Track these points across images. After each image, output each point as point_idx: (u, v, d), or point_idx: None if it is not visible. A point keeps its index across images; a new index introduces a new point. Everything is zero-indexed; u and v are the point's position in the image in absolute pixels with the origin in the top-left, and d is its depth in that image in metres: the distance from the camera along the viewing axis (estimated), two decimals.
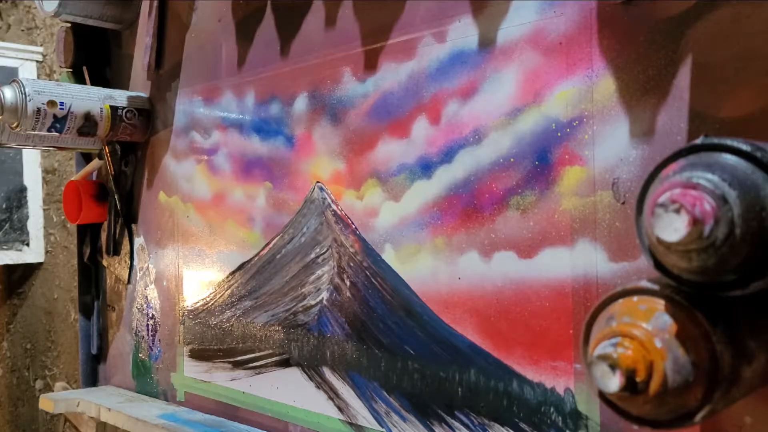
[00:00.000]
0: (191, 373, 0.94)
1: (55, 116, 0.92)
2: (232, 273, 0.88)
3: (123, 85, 1.07)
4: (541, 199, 0.57)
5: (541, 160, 0.57)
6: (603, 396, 0.36)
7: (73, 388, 1.74)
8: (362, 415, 0.71)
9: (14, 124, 0.90)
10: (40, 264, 1.94)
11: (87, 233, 1.14)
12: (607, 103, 0.53)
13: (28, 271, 1.98)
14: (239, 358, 0.86)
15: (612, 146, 0.52)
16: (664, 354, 0.34)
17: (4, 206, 1.86)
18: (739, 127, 0.46)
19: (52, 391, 1.84)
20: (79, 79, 1.08)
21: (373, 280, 0.70)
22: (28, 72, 1.85)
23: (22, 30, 1.98)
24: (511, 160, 0.59)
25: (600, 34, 0.53)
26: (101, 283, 1.13)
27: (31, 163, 1.90)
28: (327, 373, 0.75)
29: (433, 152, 0.65)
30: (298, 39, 0.79)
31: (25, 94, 0.89)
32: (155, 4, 0.98)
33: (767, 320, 0.38)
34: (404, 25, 0.68)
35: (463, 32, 0.62)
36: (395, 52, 0.68)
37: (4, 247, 1.86)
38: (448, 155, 0.64)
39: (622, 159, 0.52)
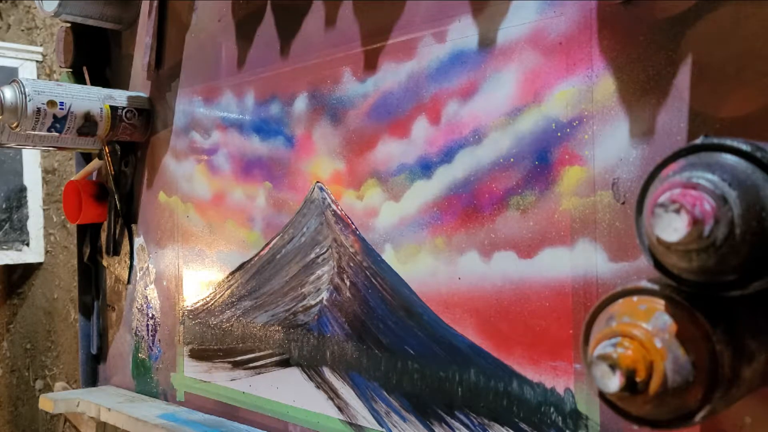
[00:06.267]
0: (191, 373, 0.94)
1: (55, 116, 0.92)
2: (232, 273, 0.88)
3: (123, 85, 1.07)
4: (541, 199, 0.57)
5: (541, 160, 0.57)
6: (603, 396, 0.36)
7: (73, 388, 1.74)
8: (362, 415, 0.71)
9: (14, 124, 0.90)
10: (40, 264, 1.94)
11: (87, 233, 1.14)
12: (607, 103, 0.53)
13: (28, 271, 1.98)
14: (239, 358, 0.86)
15: (612, 146, 0.52)
16: (664, 354, 0.34)
17: (4, 206, 1.86)
18: (739, 127, 0.46)
19: (52, 391, 1.84)
20: (79, 79, 1.08)
21: (373, 280, 0.70)
22: (28, 72, 1.85)
23: (22, 30, 1.98)
24: (511, 160, 0.59)
25: (600, 34, 0.53)
26: (101, 283, 1.13)
27: (31, 163, 1.90)
28: (327, 373, 0.75)
29: (433, 152, 0.65)
30: (298, 39, 0.79)
31: (25, 94, 0.89)
32: (155, 4, 0.98)
33: (767, 320, 0.38)
34: (404, 25, 0.68)
35: (463, 32, 0.62)
36: (395, 52, 0.68)
37: (4, 247, 1.86)
38: (448, 155, 0.64)
39: (622, 159, 0.52)
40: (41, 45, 1.91)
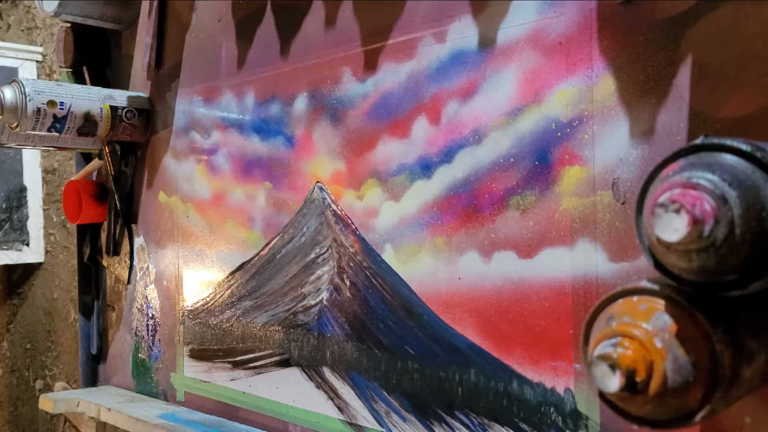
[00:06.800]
0: (191, 373, 0.94)
1: (55, 116, 0.92)
2: (232, 273, 0.88)
3: (123, 85, 1.07)
4: (541, 199, 0.57)
5: (541, 160, 0.57)
6: (603, 396, 0.36)
7: (73, 388, 1.74)
8: (362, 415, 0.71)
9: (14, 124, 0.90)
10: (40, 264, 1.94)
11: (87, 233, 1.14)
12: (607, 103, 0.53)
13: (28, 271, 1.98)
14: (239, 358, 0.86)
15: (612, 146, 0.52)
16: (664, 354, 0.34)
17: (4, 206, 1.86)
18: (739, 127, 0.46)
19: (52, 391, 1.84)
20: (79, 79, 1.08)
21: (373, 280, 0.70)
22: (28, 72, 1.85)
23: (22, 30, 1.98)
24: (511, 160, 0.59)
25: (600, 34, 0.53)
26: (101, 283, 1.13)
27: (31, 163, 1.90)
28: (327, 373, 0.75)
29: (433, 152, 0.65)
30: (298, 39, 0.79)
31: (25, 94, 0.89)
32: (155, 4, 0.98)
33: (767, 320, 0.38)
34: (404, 25, 0.68)
35: (463, 32, 0.62)
36: (395, 52, 0.68)
37: (4, 247, 1.86)
38: (448, 155, 0.64)
39: (622, 159, 0.52)
40: (41, 45, 1.91)
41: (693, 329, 0.35)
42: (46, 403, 1.05)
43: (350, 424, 0.73)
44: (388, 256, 0.69)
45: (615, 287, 0.41)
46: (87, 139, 1.04)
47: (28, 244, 1.89)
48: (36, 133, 0.92)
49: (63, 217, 1.85)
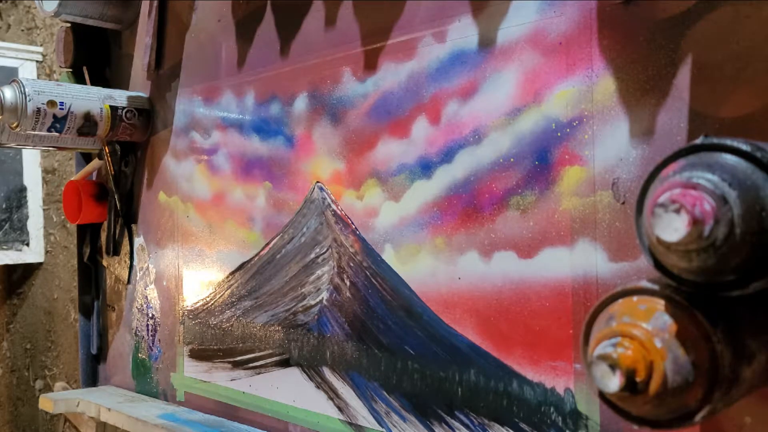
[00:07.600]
0: (191, 373, 0.94)
1: (55, 116, 0.92)
2: (232, 273, 0.88)
3: (123, 85, 1.07)
4: (541, 199, 0.57)
5: (541, 160, 0.57)
6: (603, 396, 0.36)
7: (73, 388, 1.74)
8: (362, 415, 0.71)
9: (14, 124, 0.90)
10: (40, 264, 1.94)
11: (87, 233, 1.14)
12: (607, 103, 0.53)
13: (28, 271, 1.98)
14: (239, 358, 0.86)
15: (612, 146, 0.52)
16: (664, 354, 0.34)
17: (4, 206, 1.86)
18: (739, 127, 0.46)
19: (52, 391, 1.84)
20: (79, 79, 1.08)
21: (373, 280, 0.70)
22: (28, 72, 1.85)
23: (22, 30, 1.98)
24: (511, 160, 0.59)
25: (600, 34, 0.53)
26: (101, 283, 1.13)
27: (31, 163, 1.90)
28: (327, 373, 0.75)
29: (433, 152, 0.65)
30: (298, 39, 0.79)
31: (25, 94, 0.89)
32: (155, 4, 0.98)
33: (767, 320, 0.38)
34: (404, 25, 0.68)
35: (463, 32, 0.62)
36: (395, 52, 0.68)
37: (4, 247, 1.86)
38: (448, 155, 0.64)
39: (622, 159, 0.52)
40: (41, 45, 1.91)
41: (693, 329, 0.35)
42: (46, 403, 1.05)
43: (350, 424, 0.73)
44: (388, 256, 0.69)
45: (615, 287, 0.41)
46: (87, 139, 1.04)
47: (28, 244, 1.89)
48: (36, 133, 0.92)
49: (63, 217, 1.85)
